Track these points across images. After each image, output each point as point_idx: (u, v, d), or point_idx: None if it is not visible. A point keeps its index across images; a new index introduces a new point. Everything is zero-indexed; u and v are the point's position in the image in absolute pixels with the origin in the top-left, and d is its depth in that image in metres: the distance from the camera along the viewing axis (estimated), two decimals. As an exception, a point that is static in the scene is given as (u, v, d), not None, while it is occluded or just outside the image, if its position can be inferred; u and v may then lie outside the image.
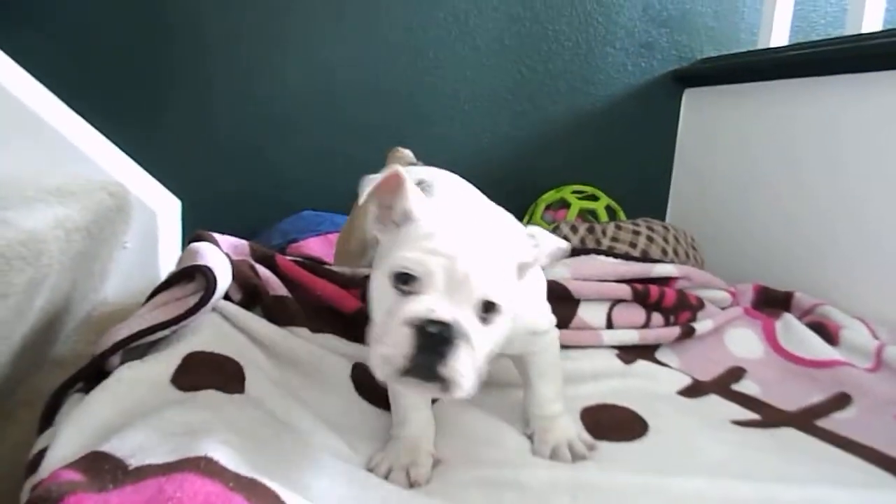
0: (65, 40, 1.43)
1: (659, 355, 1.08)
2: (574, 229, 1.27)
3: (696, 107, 1.74)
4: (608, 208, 1.55)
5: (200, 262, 0.82)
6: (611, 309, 1.04)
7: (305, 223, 1.40)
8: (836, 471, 0.75)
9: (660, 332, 1.06)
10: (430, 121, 1.66)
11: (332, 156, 1.58)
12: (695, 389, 1.00)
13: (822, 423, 0.91)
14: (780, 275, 1.38)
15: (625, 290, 1.04)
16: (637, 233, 1.24)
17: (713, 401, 0.98)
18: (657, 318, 1.07)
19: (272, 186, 1.57)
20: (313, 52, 1.57)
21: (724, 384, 1.03)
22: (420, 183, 0.91)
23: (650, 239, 1.23)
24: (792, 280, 1.33)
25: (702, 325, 1.09)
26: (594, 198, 1.56)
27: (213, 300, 0.78)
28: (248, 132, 1.56)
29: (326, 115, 1.59)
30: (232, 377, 0.72)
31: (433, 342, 0.55)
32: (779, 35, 1.56)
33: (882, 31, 1.26)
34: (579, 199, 1.54)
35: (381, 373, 0.56)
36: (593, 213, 1.53)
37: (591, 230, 1.27)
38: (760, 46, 1.60)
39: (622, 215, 1.59)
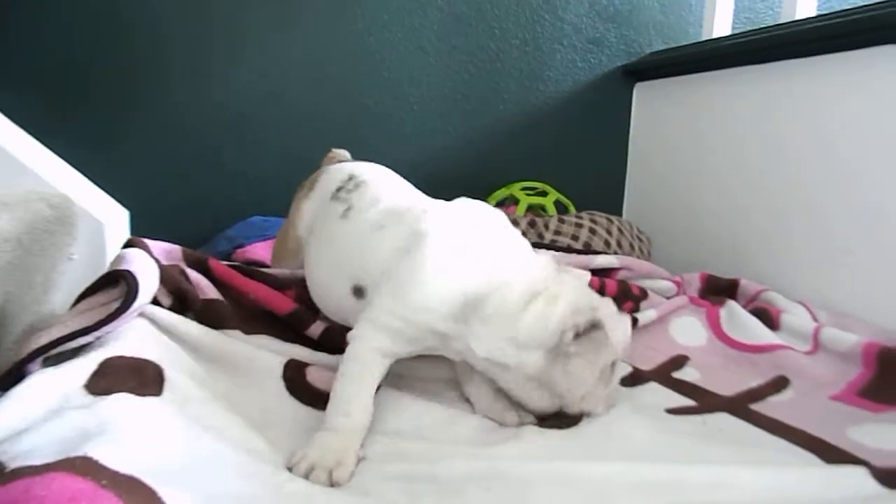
0: (7, 52, 1.42)
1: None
2: (515, 224, 1.27)
3: (647, 100, 1.75)
4: (557, 203, 1.56)
5: (125, 267, 0.81)
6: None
7: (253, 229, 1.40)
8: (758, 453, 0.76)
9: None
10: (380, 122, 1.66)
11: (284, 160, 1.58)
12: (634, 378, 1.01)
13: (758, 406, 0.92)
14: (734, 263, 1.39)
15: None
16: (580, 225, 1.25)
17: (651, 388, 0.99)
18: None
19: (223, 193, 1.57)
20: (263, 58, 1.57)
21: (665, 372, 1.04)
22: (351, 178, 0.97)
23: (592, 231, 1.23)
24: (745, 268, 1.34)
25: (645, 315, 1.10)
26: (543, 193, 1.57)
27: (135, 305, 0.78)
28: (198, 139, 1.56)
29: (277, 120, 1.59)
30: (150, 380, 0.71)
31: None
32: (721, 25, 1.58)
33: (815, 17, 1.28)
34: (528, 195, 1.55)
35: None
36: (542, 208, 1.53)
37: (532, 224, 1.27)
38: (704, 37, 1.62)
39: (573, 210, 1.60)
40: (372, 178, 0.97)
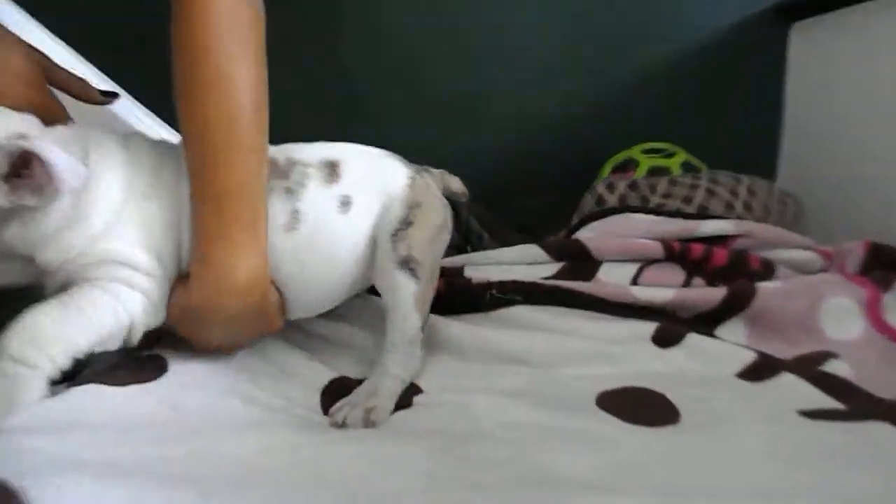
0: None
1: (721, 330, 0.89)
2: (611, 187, 1.10)
3: (807, 43, 1.46)
4: (686, 165, 1.34)
5: None
6: (639, 272, 0.87)
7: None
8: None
9: (701, 292, 0.86)
10: (492, 85, 1.54)
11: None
12: (761, 369, 0.80)
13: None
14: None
15: (655, 248, 0.86)
16: (695, 186, 1.04)
17: (785, 383, 0.77)
18: (700, 284, 0.87)
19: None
20: (379, 25, 1.52)
21: (806, 364, 0.82)
22: None
23: (711, 192, 1.02)
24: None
25: (768, 290, 0.87)
26: (671, 155, 1.36)
27: None
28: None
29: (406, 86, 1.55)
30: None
31: None
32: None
33: None
34: (650, 156, 1.35)
35: None
36: (667, 171, 1.33)
37: (633, 186, 1.08)
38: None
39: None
40: None
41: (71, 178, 0.59)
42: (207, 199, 0.66)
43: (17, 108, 0.65)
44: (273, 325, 0.75)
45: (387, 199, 0.77)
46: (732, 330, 0.88)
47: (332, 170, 0.75)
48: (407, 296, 0.75)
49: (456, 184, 0.90)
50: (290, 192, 0.73)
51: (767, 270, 0.89)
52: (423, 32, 1.52)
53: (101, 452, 0.54)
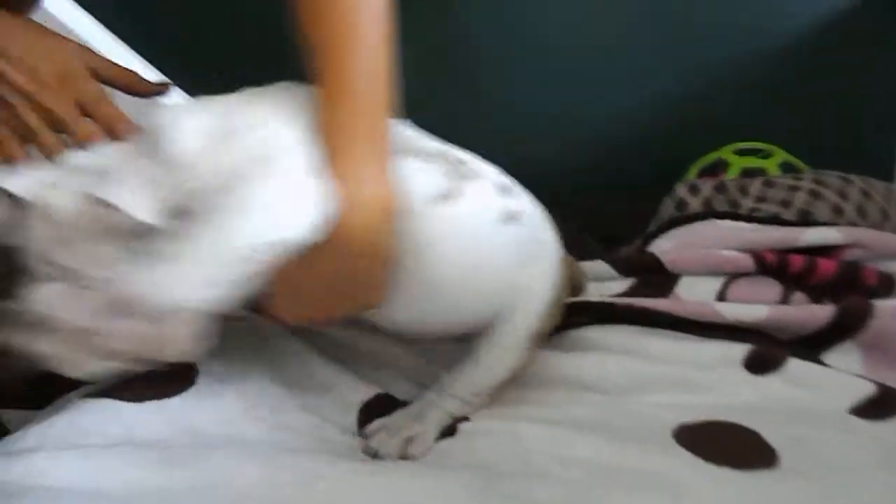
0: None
1: (830, 357, 0.76)
2: (694, 189, 0.98)
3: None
4: (784, 166, 1.20)
5: None
6: (725, 287, 0.75)
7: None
8: None
9: (803, 310, 0.73)
10: (574, 85, 1.45)
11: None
12: (881, 404, 0.67)
13: None
14: None
15: (743, 261, 0.74)
16: (795, 188, 0.91)
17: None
18: (801, 300, 0.75)
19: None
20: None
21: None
22: None
23: (815, 194, 0.89)
24: None
25: (888, 309, 0.73)
26: (768, 155, 1.23)
27: None
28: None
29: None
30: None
31: None
32: None
33: None
34: (744, 157, 1.22)
35: None
36: (762, 172, 1.20)
37: (720, 189, 0.96)
38: None
39: (807, 174, 1.23)
40: None
41: (141, 200, 0.51)
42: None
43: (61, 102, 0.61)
44: (377, 290, 0.61)
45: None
46: (844, 356, 0.76)
47: (504, 190, 0.66)
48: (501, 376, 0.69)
49: (580, 273, 0.78)
50: (456, 173, 0.63)
51: (886, 286, 0.76)
52: (498, 29, 1.46)
53: (96, 478, 0.49)
